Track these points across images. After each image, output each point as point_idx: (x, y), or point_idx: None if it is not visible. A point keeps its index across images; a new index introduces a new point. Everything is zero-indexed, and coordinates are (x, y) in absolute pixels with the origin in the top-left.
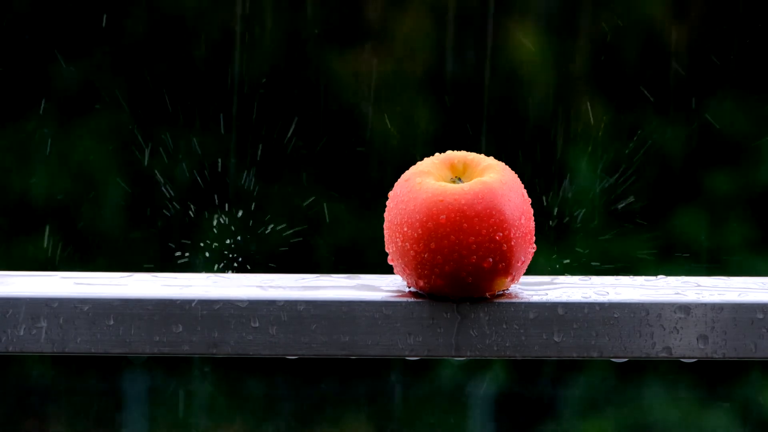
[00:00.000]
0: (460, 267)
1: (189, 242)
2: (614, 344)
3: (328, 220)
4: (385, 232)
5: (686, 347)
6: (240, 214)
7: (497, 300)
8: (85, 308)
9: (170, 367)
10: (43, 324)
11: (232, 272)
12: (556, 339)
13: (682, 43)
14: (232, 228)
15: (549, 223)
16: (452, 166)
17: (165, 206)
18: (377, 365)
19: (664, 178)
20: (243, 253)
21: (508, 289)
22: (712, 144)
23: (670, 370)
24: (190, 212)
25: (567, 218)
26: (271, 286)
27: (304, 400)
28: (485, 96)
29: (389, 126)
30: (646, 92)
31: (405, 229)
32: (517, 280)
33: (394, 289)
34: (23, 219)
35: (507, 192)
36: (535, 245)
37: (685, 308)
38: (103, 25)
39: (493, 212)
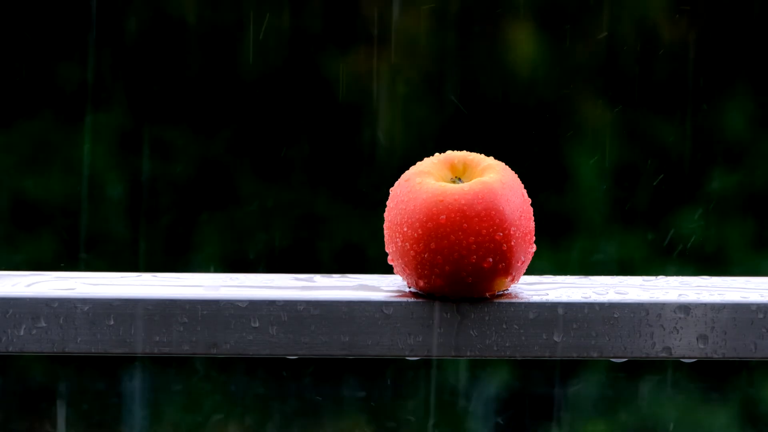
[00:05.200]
0: (460, 267)
1: (189, 242)
2: (614, 344)
3: (328, 220)
4: (385, 232)
5: (686, 347)
6: (240, 214)
7: (497, 300)
8: (85, 308)
9: (170, 367)
10: (43, 324)
11: (232, 272)
12: (556, 339)
13: (682, 42)
14: (233, 228)
15: (549, 223)
16: (452, 166)
17: (165, 206)
18: (377, 365)
19: (664, 177)
20: (243, 254)
21: (508, 289)
22: (712, 144)
23: (670, 370)
24: (191, 212)
25: (567, 218)
26: (271, 286)
27: (304, 400)
28: (486, 96)
29: (389, 126)
30: (647, 92)
31: (405, 229)
32: (517, 280)
33: (394, 289)
34: (24, 219)
35: (507, 192)
36: (535, 245)
37: (685, 308)
38: (105, 24)
39: (493, 212)
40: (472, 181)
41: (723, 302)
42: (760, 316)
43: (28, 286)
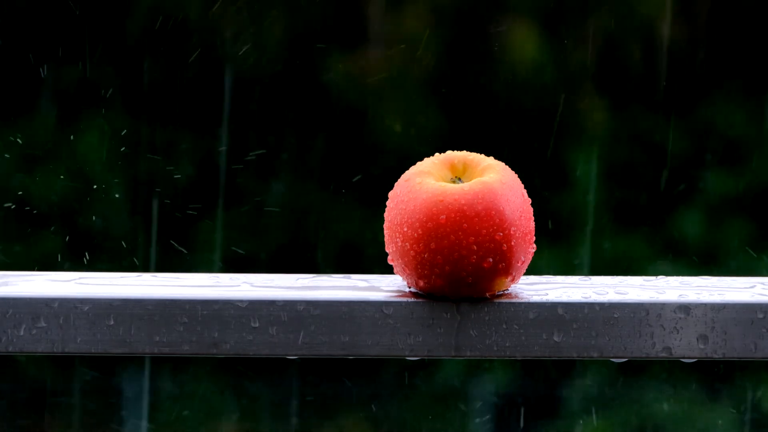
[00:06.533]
0: (460, 267)
1: (189, 242)
2: (614, 344)
3: (328, 220)
4: (385, 232)
5: (686, 347)
6: (240, 214)
7: (497, 300)
8: (85, 308)
9: (170, 367)
10: (43, 324)
11: (233, 272)
12: (556, 339)
13: (682, 42)
14: (232, 228)
15: (549, 223)
16: (452, 166)
17: (165, 206)
18: (377, 365)
19: (664, 177)
20: (243, 254)
21: (508, 289)
22: (712, 144)
23: (671, 369)
24: (191, 212)
25: (567, 218)
26: (271, 286)
27: (303, 400)
28: (486, 96)
29: (390, 126)
30: (646, 92)
31: (405, 229)
32: (517, 280)
33: (394, 289)
34: (24, 219)
35: (507, 192)
36: (535, 245)
37: (685, 308)
38: (104, 24)
39: (493, 212)
40: (472, 181)
41: (723, 302)
42: (760, 316)
43: (29, 286)
